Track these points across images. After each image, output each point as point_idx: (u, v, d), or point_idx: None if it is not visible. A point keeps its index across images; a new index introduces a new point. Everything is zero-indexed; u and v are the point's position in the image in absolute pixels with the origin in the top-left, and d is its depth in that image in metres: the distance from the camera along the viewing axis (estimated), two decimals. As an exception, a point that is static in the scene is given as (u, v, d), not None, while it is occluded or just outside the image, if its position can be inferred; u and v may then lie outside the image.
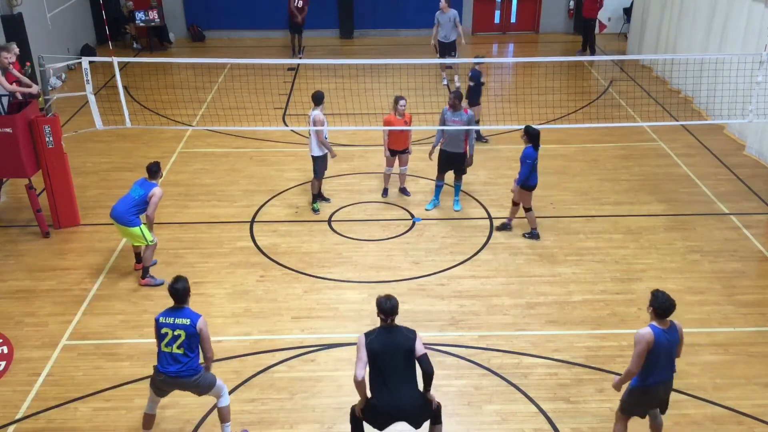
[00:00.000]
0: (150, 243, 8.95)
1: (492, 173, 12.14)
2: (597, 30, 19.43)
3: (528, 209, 9.98)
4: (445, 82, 16.43)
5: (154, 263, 9.35)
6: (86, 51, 18.57)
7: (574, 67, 17.67)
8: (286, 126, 14.22)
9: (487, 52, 12.80)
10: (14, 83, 10.07)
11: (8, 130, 9.60)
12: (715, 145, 13.19)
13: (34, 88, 10.09)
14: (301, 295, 8.90)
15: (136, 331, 8.22)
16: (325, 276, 9.28)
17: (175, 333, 6.10)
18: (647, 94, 15.82)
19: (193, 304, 8.61)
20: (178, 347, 6.11)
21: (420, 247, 9.93)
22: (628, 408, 6.18)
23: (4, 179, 11.00)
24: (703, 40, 14.79)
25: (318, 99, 10.33)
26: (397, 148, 10.94)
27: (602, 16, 20.21)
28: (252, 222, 10.65)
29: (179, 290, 6.15)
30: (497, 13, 21.62)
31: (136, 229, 8.80)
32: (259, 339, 8.10)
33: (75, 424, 6.91)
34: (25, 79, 10.27)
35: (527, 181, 9.67)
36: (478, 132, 13.05)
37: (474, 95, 12.86)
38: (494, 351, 7.87)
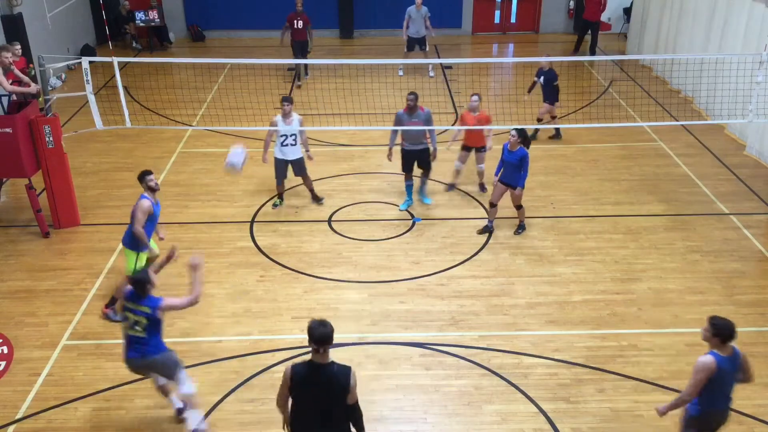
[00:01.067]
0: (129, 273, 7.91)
1: (492, 173, 12.10)
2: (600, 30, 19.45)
3: (520, 206, 10.10)
4: (401, 73, 17.07)
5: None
6: (86, 51, 18.58)
7: (574, 67, 17.67)
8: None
9: (547, 54, 13.30)
10: (14, 83, 10.07)
11: (8, 130, 9.60)
12: (715, 145, 13.19)
13: (33, 88, 10.09)
14: (301, 295, 8.90)
15: (136, 331, 8.21)
16: (325, 276, 9.28)
17: (137, 318, 6.23)
18: (647, 94, 15.82)
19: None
20: (142, 331, 6.24)
21: (420, 247, 9.93)
22: None
23: (4, 179, 11.01)
24: (703, 40, 14.79)
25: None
26: (472, 145, 11.12)
27: (603, 16, 20.19)
28: (252, 222, 10.65)
29: (139, 281, 6.21)
30: (497, 13, 21.64)
31: (128, 251, 8.09)
32: (259, 339, 8.10)
33: (75, 424, 6.91)
34: (26, 79, 10.27)
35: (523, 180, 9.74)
36: (557, 130, 13.43)
37: (553, 94, 13.03)
38: (494, 351, 7.87)
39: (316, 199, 11.06)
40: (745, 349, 7.83)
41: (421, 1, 16.80)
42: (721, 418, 5.82)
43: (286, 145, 10.47)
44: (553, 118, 13.49)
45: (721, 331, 5.45)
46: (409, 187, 10.96)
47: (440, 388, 7.33)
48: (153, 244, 8.30)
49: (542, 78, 13.09)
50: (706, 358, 5.50)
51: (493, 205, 10.08)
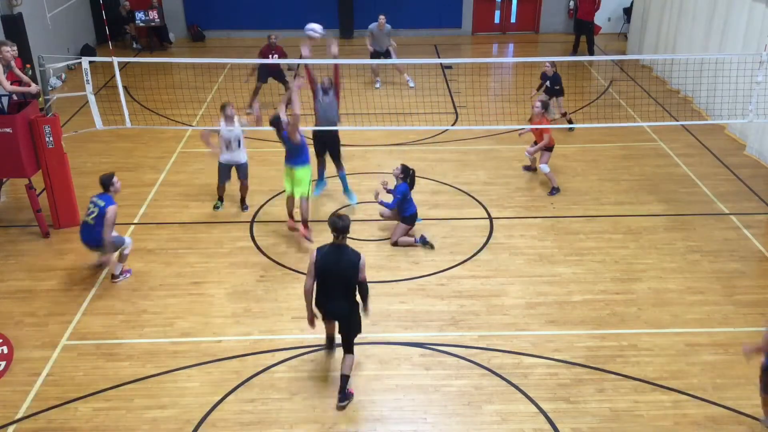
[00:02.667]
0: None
1: (492, 173, 12.14)
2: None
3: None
4: (378, 86, 16.64)
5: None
6: (86, 51, 18.58)
7: (574, 67, 17.67)
8: (286, 126, 14.19)
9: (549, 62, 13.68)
10: (15, 83, 10.06)
11: (8, 130, 9.60)
12: (715, 145, 13.19)
13: (33, 88, 10.08)
14: (301, 295, 8.87)
15: (136, 331, 8.23)
16: (325, 276, 9.27)
17: (92, 209, 8.56)
18: (647, 94, 15.82)
19: (193, 304, 8.70)
20: (91, 219, 8.53)
21: (420, 247, 9.92)
22: None
23: (4, 179, 11.00)
24: (703, 40, 14.79)
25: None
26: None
27: (602, 16, 20.19)
28: (252, 222, 10.65)
29: (101, 180, 8.67)
30: (497, 13, 21.64)
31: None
32: (259, 339, 8.10)
33: (75, 424, 6.91)
34: (26, 78, 10.27)
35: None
36: (570, 122, 13.88)
37: (559, 93, 13.49)
38: (494, 351, 7.87)
39: (242, 204, 11.04)
40: (745, 349, 7.88)
41: (384, 21, 16.25)
42: None
43: (231, 149, 10.58)
44: (564, 115, 13.89)
45: None
46: (321, 170, 11.31)
47: (440, 388, 7.33)
48: None
49: (548, 82, 13.47)
50: None
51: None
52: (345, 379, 7.07)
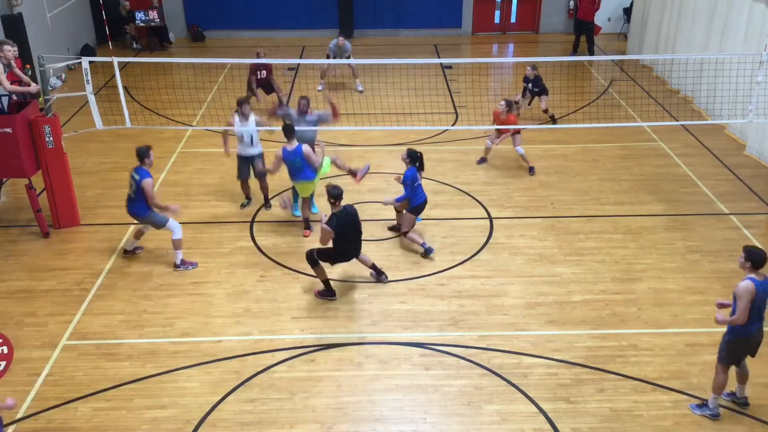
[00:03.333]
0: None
1: (492, 173, 12.14)
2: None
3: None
4: (321, 88, 16.09)
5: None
6: (86, 51, 18.58)
7: (574, 67, 17.67)
8: (286, 126, 14.19)
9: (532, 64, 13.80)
10: (15, 83, 10.06)
11: (8, 130, 9.60)
12: (715, 145, 13.19)
13: (33, 87, 10.08)
14: (301, 295, 8.90)
15: (136, 331, 8.23)
16: (325, 276, 9.29)
17: (132, 183, 9.08)
18: (647, 94, 15.82)
19: (194, 303, 8.70)
20: (133, 193, 9.07)
21: (420, 247, 9.92)
22: (729, 356, 6.59)
23: (4, 179, 11.00)
24: (703, 40, 14.79)
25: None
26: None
27: (602, 16, 20.19)
28: (252, 222, 10.65)
29: (137, 151, 9.20)
30: (497, 13, 21.64)
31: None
32: (259, 339, 8.10)
33: (75, 424, 6.91)
34: (26, 78, 10.27)
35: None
36: (552, 117, 14.13)
37: (543, 92, 13.99)
38: (494, 351, 7.87)
39: (266, 203, 11.11)
40: (745, 349, 7.87)
41: (344, 42, 15.58)
42: (760, 337, 6.56)
43: (244, 143, 10.65)
44: (546, 111, 14.10)
45: (753, 257, 6.25)
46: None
47: (440, 388, 7.33)
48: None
49: (530, 84, 13.92)
50: (746, 282, 6.21)
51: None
52: (374, 266, 9.01)
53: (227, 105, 14.14)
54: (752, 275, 6.30)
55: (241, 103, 10.53)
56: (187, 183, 11.88)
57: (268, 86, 14.78)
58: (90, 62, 10.27)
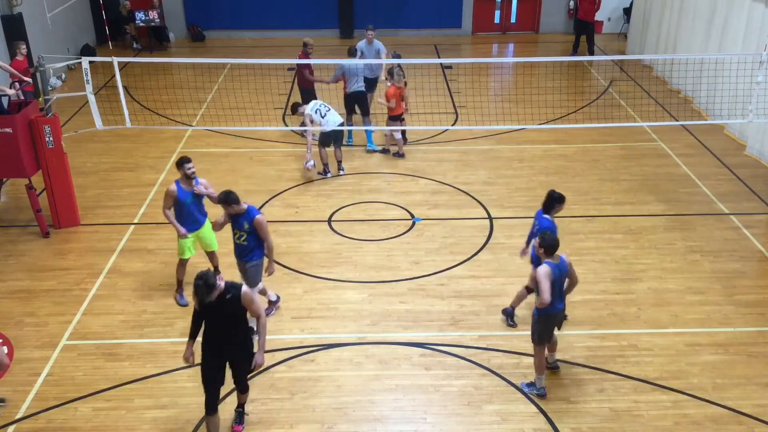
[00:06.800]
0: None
1: (492, 173, 12.14)
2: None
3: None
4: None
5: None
6: (86, 51, 18.58)
7: (574, 67, 17.67)
8: (286, 126, 14.21)
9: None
10: (15, 83, 10.07)
11: (8, 130, 9.60)
12: (715, 145, 13.19)
13: (11, 92, 10.03)
14: (301, 295, 8.90)
15: (136, 331, 8.23)
16: (325, 276, 9.28)
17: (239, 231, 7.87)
18: (647, 94, 15.82)
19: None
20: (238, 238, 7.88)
21: (420, 247, 9.92)
22: (542, 336, 7.04)
23: (4, 179, 11.00)
24: (703, 40, 14.79)
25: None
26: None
27: (602, 16, 20.20)
28: (252, 222, 10.64)
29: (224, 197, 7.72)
30: (497, 13, 21.65)
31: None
32: (259, 339, 8.08)
33: (75, 424, 6.91)
34: (26, 79, 10.27)
35: None
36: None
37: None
38: (494, 351, 7.87)
39: (338, 167, 12.07)
40: (745, 348, 7.93)
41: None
42: (561, 315, 7.17)
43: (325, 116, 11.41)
44: None
45: (545, 243, 6.79)
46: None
47: (440, 388, 7.33)
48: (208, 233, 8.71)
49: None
50: (543, 266, 6.73)
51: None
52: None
53: (227, 105, 14.13)
54: (548, 259, 6.79)
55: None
56: (187, 183, 11.87)
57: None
58: (90, 62, 10.26)
